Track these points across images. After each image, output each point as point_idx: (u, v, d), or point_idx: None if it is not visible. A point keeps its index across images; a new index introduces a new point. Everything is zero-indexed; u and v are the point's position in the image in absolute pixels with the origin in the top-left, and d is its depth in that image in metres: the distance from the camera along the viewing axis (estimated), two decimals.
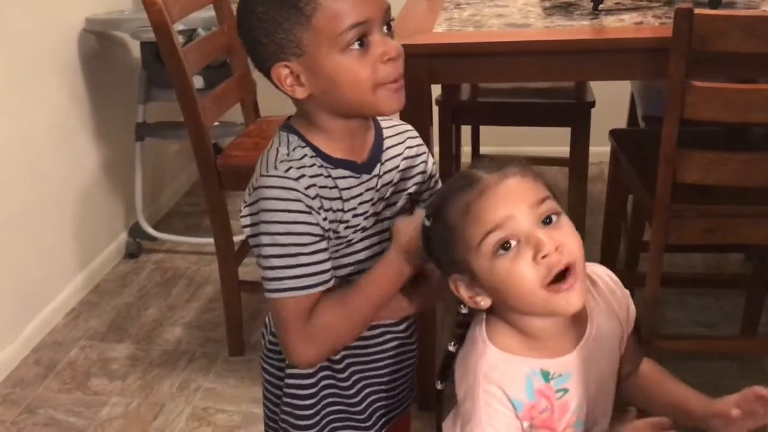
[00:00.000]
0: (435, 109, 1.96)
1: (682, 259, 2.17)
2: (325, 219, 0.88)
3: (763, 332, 1.85)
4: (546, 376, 0.84)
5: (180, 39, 2.23)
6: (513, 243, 0.78)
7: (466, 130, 2.44)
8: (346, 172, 0.90)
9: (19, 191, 1.99)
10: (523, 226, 0.78)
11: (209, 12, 1.91)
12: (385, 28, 0.85)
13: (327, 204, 0.88)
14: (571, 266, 0.78)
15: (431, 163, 1.02)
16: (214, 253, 1.90)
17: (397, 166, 0.96)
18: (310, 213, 0.86)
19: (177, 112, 1.73)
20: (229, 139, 1.98)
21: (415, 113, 1.42)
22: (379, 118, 0.96)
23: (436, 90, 1.91)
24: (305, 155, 0.88)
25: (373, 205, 0.93)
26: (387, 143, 0.96)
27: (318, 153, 0.89)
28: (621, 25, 1.43)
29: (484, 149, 2.48)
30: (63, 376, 1.93)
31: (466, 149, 2.46)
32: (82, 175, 2.28)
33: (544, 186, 0.82)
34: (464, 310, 0.87)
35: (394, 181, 0.96)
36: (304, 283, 0.87)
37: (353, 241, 0.93)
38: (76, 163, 2.25)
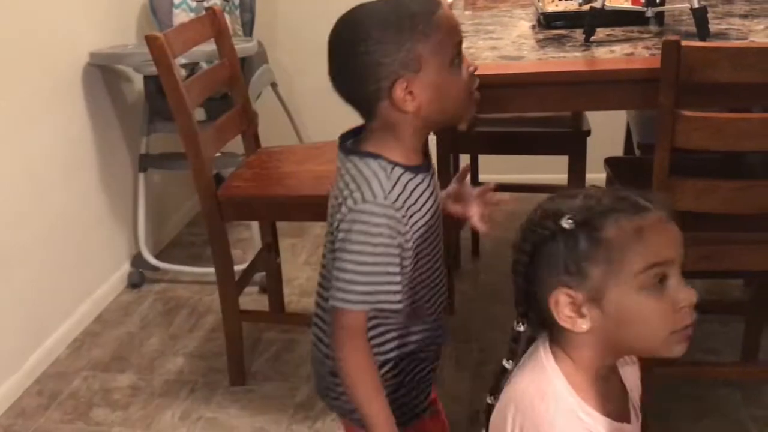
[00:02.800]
0: (433, 139, 1.99)
1: None
2: (411, 228, 1.01)
3: (763, 358, 1.84)
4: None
5: (182, 72, 2.28)
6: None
7: (465, 159, 2.46)
8: (420, 176, 1.03)
9: (24, 222, 2.02)
10: (677, 273, 0.79)
11: (211, 46, 1.95)
12: None
13: (413, 210, 1.01)
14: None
15: None
16: (216, 283, 1.92)
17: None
18: (399, 235, 0.99)
19: (179, 143, 1.76)
20: (231, 170, 2.01)
21: None
22: None
23: None
24: (397, 174, 1.00)
25: (434, 201, 1.07)
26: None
27: (396, 164, 1.01)
28: (612, 56, 1.46)
29: (483, 177, 2.50)
30: (65, 406, 1.94)
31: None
32: (86, 206, 2.31)
33: None
34: (520, 328, 0.89)
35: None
36: (380, 299, 1.00)
37: (426, 239, 1.05)
38: (80, 195, 2.28)
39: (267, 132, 2.53)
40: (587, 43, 1.54)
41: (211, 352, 2.12)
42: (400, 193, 1.00)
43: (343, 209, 0.99)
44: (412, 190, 1.01)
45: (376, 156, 1.00)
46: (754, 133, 1.30)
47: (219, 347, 2.09)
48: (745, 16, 1.67)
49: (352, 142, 1.05)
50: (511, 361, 0.90)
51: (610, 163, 1.79)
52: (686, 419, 1.74)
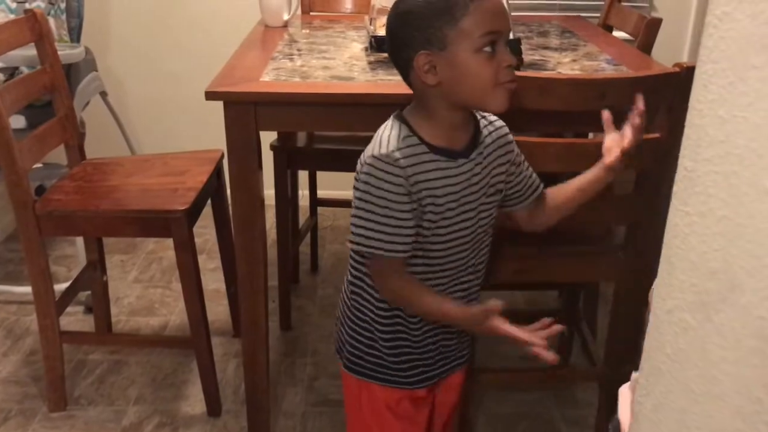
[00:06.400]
0: (270, 155, 1.99)
1: (504, 297, 2.32)
2: (419, 200, 1.09)
3: (573, 363, 2.01)
4: None
5: (0, 76, 2.13)
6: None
7: (303, 175, 2.48)
8: (444, 158, 1.10)
9: None
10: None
11: (31, 50, 1.84)
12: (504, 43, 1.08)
13: (424, 186, 1.09)
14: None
15: (516, 149, 1.24)
16: (33, 303, 1.80)
17: (491, 154, 1.18)
18: (408, 195, 1.07)
19: None
20: (53, 181, 1.90)
21: (242, 157, 1.46)
22: (478, 115, 1.18)
23: (269, 135, 1.94)
24: (413, 144, 1.09)
25: (464, 189, 1.13)
26: (484, 135, 1.17)
27: (423, 141, 1.10)
28: None
29: (321, 193, 2.53)
30: None
31: (304, 192, 2.51)
32: None
33: None
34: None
35: (488, 168, 1.17)
36: (387, 248, 1.09)
37: (440, 224, 1.13)
38: None
39: (97, 143, 2.42)
40: None
41: (29, 377, 1.98)
42: (408, 159, 1.07)
43: (358, 165, 1.11)
44: (431, 169, 1.09)
45: (404, 122, 1.11)
46: (559, 156, 1.42)
47: (37, 371, 1.96)
48: (556, 50, 1.82)
49: (400, 110, 1.15)
50: None
51: None
52: (504, 422, 1.85)
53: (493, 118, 1.22)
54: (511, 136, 1.24)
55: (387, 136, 1.10)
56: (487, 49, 1.05)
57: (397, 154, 1.07)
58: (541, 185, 1.28)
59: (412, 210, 1.09)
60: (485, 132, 1.19)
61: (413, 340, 1.22)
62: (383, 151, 1.08)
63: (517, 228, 1.32)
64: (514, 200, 1.27)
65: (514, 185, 1.25)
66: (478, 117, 1.19)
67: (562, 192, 1.29)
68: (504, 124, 1.23)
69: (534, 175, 1.28)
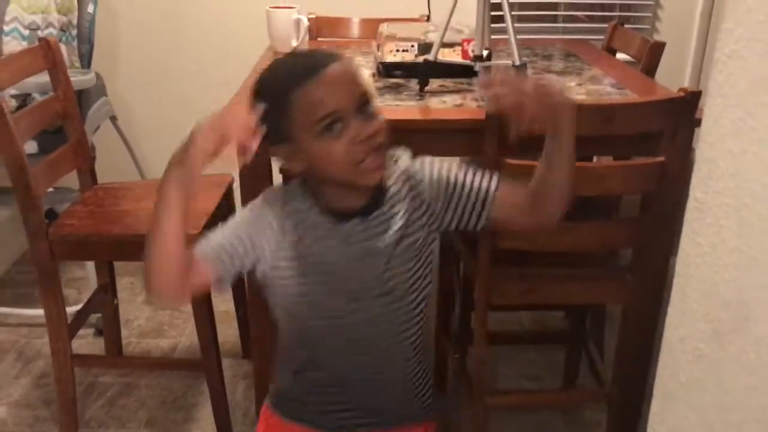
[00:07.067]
0: (279, 178, 2.01)
1: (511, 317, 2.33)
2: (280, 246, 1.06)
3: (581, 383, 2.01)
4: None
5: (13, 103, 2.16)
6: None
7: None
8: (332, 219, 1.06)
9: None
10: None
11: (44, 77, 1.86)
12: (362, 108, 0.99)
13: (302, 243, 1.06)
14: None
15: (431, 170, 1.11)
16: (45, 325, 1.81)
17: (402, 203, 1.09)
18: (257, 231, 1.06)
19: (5, 177, 1.67)
20: (66, 205, 1.92)
21: (254, 182, 1.48)
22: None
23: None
24: (302, 200, 1.07)
25: (358, 250, 1.07)
26: (393, 186, 1.09)
27: (314, 199, 1.07)
28: (444, 106, 1.56)
29: None
30: None
31: None
32: None
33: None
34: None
35: (397, 220, 1.08)
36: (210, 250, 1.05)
37: (310, 282, 1.08)
38: None
39: (107, 167, 2.44)
40: (421, 93, 1.64)
41: (40, 400, 1.99)
42: (290, 206, 1.06)
43: None
44: (314, 227, 1.06)
45: (302, 180, 1.08)
46: None
47: (48, 395, 1.97)
48: (560, 73, 1.85)
49: None
50: None
51: None
52: None
53: (402, 156, 1.12)
54: (421, 173, 1.10)
55: (290, 183, 1.10)
56: (327, 134, 0.98)
57: (273, 195, 1.09)
58: (492, 184, 1.11)
59: (249, 246, 1.05)
60: (394, 181, 1.09)
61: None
62: (277, 189, 1.10)
63: (528, 228, 1.24)
64: (473, 217, 1.11)
65: (461, 206, 1.11)
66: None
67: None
68: (407, 163, 1.11)
69: (481, 181, 1.11)
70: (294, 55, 1.06)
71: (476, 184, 1.11)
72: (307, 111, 0.97)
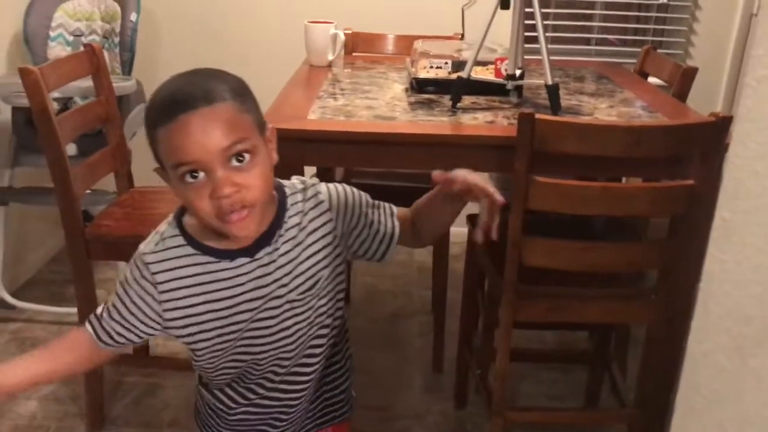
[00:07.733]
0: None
1: (535, 336, 2.34)
2: (172, 308, 1.00)
3: (603, 404, 2.01)
4: None
5: (55, 106, 2.23)
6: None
7: None
8: (214, 259, 0.98)
9: None
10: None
11: (87, 81, 1.93)
12: (234, 160, 0.89)
13: (182, 293, 0.99)
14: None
15: (338, 204, 1.05)
16: (77, 323, 1.86)
17: (297, 240, 1.01)
18: (151, 302, 1.00)
19: (46, 177, 1.72)
20: (100, 208, 1.97)
21: None
22: (288, 190, 1.03)
23: (311, 170, 2.00)
24: (174, 246, 0.99)
25: (247, 291, 1.00)
26: (290, 221, 1.01)
27: (190, 241, 0.99)
28: (475, 123, 1.59)
29: None
30: None
31: None
32: None
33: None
34: None
35: (292, 259, 1.01)
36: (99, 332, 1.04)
37: (203, 330, 1.02)
38: None
39: (142, 171, 2.50)
40: (454, 109, 1.67)
41: (68, 396, 2.04)
42: (161, 264, 0.98)
43: None
44: (194, 273, 0.98)
45: (179, 217, 1.00)
46: (595, 199, 1.45)
47: (76, 391, 2.02)
48: (592, 95, 1.87)
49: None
50: None
51: (472, 219, 1.92)
52: None
53: (311, 187, 1.06)
54: (327, 203, 1.05)
55: (155, 232, 1.02)
56: (189, 179, 0.90)
57: (150, 258, 0.99)
58: (396, 227, 1.12)
59: (150, 317, 1.01)
60: (292, 216, 1.02)
61: None
62: (142, 249, 1.00)
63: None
64: (377, 255, 1.11)
65: (366, 241, 1.09)
66: (287, 193, 1.03)
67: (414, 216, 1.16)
68: (320, 193, 1.05)
69: (385, 220, 1.11)
70: (177, 81, 0.92)
71: (383, 227, 1.10)
72: (166, 153, 0.90)
